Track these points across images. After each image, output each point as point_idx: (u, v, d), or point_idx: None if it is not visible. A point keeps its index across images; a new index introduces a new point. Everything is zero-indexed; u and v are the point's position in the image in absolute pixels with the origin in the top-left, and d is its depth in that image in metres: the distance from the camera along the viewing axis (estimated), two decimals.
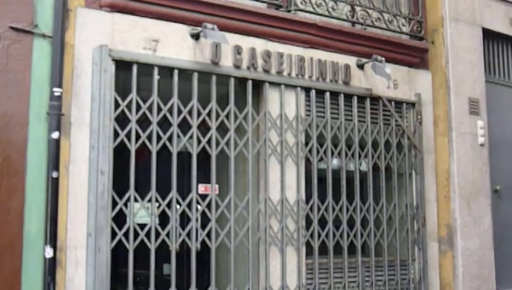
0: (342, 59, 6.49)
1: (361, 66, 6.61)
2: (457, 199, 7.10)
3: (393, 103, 6.83)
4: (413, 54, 7.09)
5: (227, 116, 5.74)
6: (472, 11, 7.60)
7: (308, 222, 6.11)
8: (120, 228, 5.09)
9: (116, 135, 5.14)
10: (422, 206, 6.90)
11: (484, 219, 7.29)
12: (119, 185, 5.21)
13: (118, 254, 5.21)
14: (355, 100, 6.54)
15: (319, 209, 6.16)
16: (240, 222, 5.73)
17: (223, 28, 5.52)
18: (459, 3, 7.48)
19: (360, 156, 6.53)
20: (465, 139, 7.25)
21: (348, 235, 6.33)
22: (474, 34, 7.59)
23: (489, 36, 7.86)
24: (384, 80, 6.68)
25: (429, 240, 6.94)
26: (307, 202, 6.12)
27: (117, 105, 5.17)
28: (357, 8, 6.74)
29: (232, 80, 5.80)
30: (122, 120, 5.20)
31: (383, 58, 6.45)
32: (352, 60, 6.58)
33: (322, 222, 6.19)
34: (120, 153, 5.22)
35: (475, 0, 7.67)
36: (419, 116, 7.00)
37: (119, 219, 5.13)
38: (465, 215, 7.14)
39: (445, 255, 7.03)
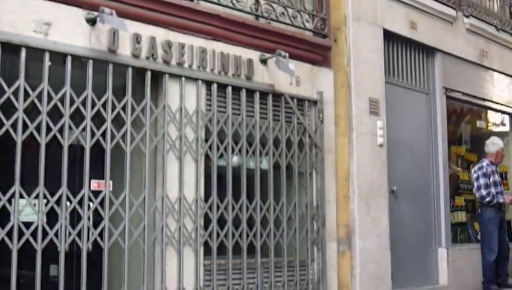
0: (245, 53, 6.28)
1: (264, 61, 6.43)
2: (356, 199, 7.07)
3: (295, 100, 6.69)
4: (317, 51, 6.99)
5: (123, 108, 5.39)
6: (374, 12, 7.60)
7: (207, 221, 5.86)
8: (3, 227, 4.64)
9: (0, 124, 4.69)
10: (322, 206, 6.81)
11: (382, 219, 7.30)
12: (3, 180, 4.78)
13: (0, 254, 4.77)
14: (257, 96, 6.35)
15: (218, 208, 5.92)
16: (135, 221, 5.40)
17: (122, 15, 5.14)
18: (362, 3, 7.46)
19: (261, 153, 6.35)
20: (365, 139, 7.24)
21: (248, 235, 6.13)
22: (376, 35, 7.60)
23: (390, 37, 7.89)
24: (287, 76, 6.53)
25: (328, 240, 6.86)
26: (206, 200, 5.87)
27: (2, 92, 4.72)
28: (262, 2, 6.56)
29: (129, 70, 5.45)
30: (7, 108, 4.75)
31: (287, 54, 6.30)
32: (255, 55, 6.39)
33: (221, 222, 5.95)
34: (4, 145, 4.78)
35: (377, 0, 7.67)
36: (320, 115, 6.90)
37: (3, 216, 4.68)
38: (364, 216, 7.12)
39: (343, 255, 6.97)
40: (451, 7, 8.79)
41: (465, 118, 10.03)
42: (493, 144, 8.35)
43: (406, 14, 8.07)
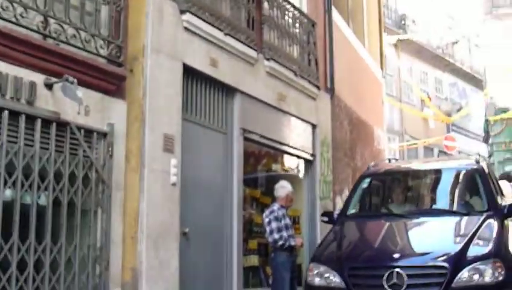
0: (27, 75, 5.60)
1: (49, 86, 5.77)
2: (144, 240, 6.60)
3: (82, 131, 6.11)
4: (110, 80, 6.49)
5: None
6: (174, 45, 7.29)
7: None
8: None
9: None
10: (107, 248, 6.25)
11: (171, 262, 6.89)
12: None
13: None
14: (38, 123, 5.68)
15: None
16: None
17: None
18: (162, 34, 7.11)
19: (39, 187, 5.68)
20: (157, 177, 6.82)
21: (18, 280, 5.40)
22: (175, 69, 7.28)
23: (190, 73, 7.61)
24: (75, 104, 5.93)
25: (112, 286, 6.29)
26: None
27: None
28: (51, 21, 5.94)
29: None
30: None
31: (75, 80, 5.72)
32: (39, 78, 5.71)
33: None
34: None
35: (178, 33, 7.37)
36: (110, 149, 6.39)
37: None
38: (152, 258, 6.66)
39: None
40: (252, 48, 8.75)
41: (262, 160, 10.02)
42: (282, 187, 8.31)
43: (207, 50, 7.86)
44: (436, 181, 8.49)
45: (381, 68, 16.06)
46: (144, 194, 6.66)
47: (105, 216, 6.28)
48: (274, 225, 7.90)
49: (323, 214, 8.31)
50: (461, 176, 8.20)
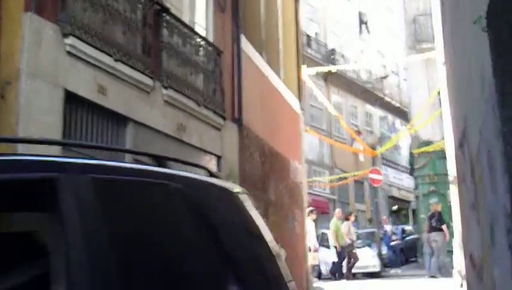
0: None
1: None
2: None
3: None
4: None
5: None
6: (55, 70, 6.84)
7: None
8: None
9: None
10: None
11: None
12: None
13: None
14: None
15: None
16: None
17: None
18: (40, 58, 6.66)
19: None
20: None
21: None
22: (55, 96, 6.81)
23: (74, 100, 7.16)
24: None
25: None
26: None
27: None
28: None
29: None
30: None
31: None
32: None
33: None
34: None
35: (59, 59, 6.93)
36: None
37: None
38: None
39: None
40: (148, 76, 8.37)
41: None
42: None
43: (94, 76, 7.43)
44: None
45: (299, 100, 15.87)
46: None
47: None
48: None
49: None
50: None
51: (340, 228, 19.06)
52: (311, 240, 18.10)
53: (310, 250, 17.57)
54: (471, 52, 4.33)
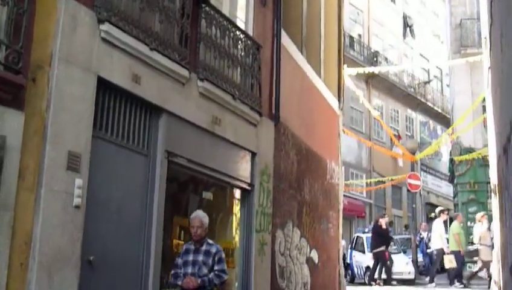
0: None
1: None
2: (36, 267, 5.93)
3: None
4: (4, 88, 5.88)
5: None
6: (88, 56, 6.71)
7: None
8: None
9: None
10: None
11: None
12: None
13: None
14: None
15: None
16: None
17: None
18: (74, 43, 6.53)
19: None
20: (57, 199, 6.18)
21: None
22: (87, 82, 6.68)
23: (107, 88, 7.02)
24: None
25: None
26: None
27: None
28: None
29: None
30: None
31: None
32: None
33: None
34: None
35: (94, 45, 6.80)
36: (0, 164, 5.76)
37: None
38: (44, 288, 5.99)
39: None
40: (184, 67, 8.19)
41: (192, 187, 9.40)
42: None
43: (128, 65, 7.28)
44: None
45: (339, 100, 15.56)
46: (39, 216, 6.01)
47: None
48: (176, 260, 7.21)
49: None
50: None
51: (462, 233, 18.18)
52: (444, 243, 17.91)
53: (444, 253, 17.53)
54: None
